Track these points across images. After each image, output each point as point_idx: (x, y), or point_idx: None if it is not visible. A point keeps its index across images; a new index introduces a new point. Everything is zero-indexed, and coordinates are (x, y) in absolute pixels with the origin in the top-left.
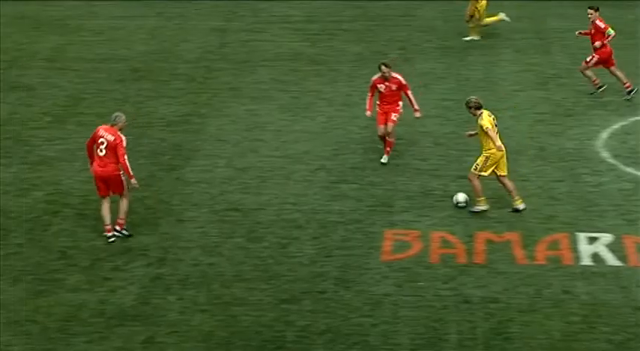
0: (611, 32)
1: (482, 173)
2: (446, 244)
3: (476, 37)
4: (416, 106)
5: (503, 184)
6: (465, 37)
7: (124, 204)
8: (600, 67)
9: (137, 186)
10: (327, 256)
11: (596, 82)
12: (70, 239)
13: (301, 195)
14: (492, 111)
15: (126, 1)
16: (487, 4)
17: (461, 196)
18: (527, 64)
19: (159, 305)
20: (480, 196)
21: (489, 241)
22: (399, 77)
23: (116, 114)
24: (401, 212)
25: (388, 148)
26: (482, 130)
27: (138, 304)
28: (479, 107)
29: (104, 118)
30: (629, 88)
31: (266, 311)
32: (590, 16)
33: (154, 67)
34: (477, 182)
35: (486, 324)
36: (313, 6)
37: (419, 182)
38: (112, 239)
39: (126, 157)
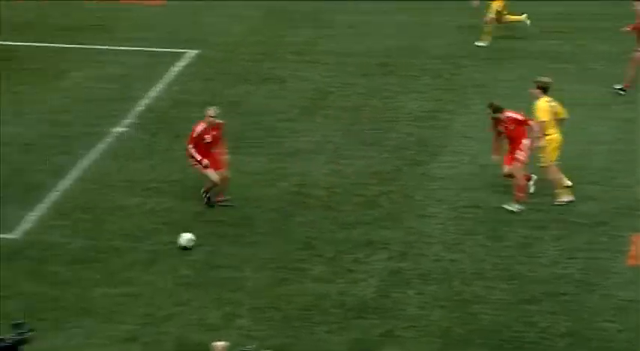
0: None
1: (550, 162)
2: None
3: (485, 43)
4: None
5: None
6: (478, 42)
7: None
8: None
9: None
10: (569, 258)
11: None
12: (314, 230)
13: (545, 195)
14: None
15: None
16: (504, 4)
17: (185, 239)
18: None
19: (398, 299)
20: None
21: None
22: (514, 115)
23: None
24: None
25: (515, 192)
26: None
27: (378, 296)
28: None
29: (349, 112)
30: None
31: (505, 311)
32: (636, 7)
33: (402, 62)
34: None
35: None
36: (567, 3)
37: None
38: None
39: (190, 146)
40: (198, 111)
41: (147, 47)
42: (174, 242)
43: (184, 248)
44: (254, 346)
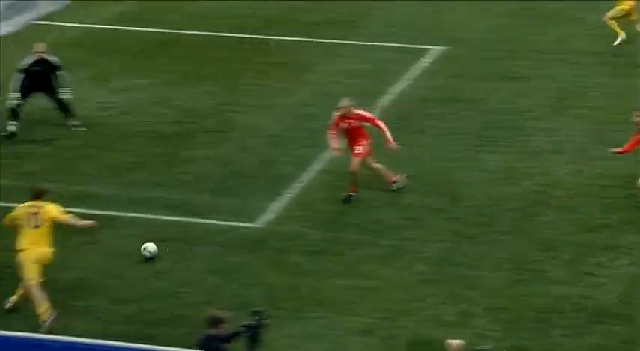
0: None
1: None
2: None
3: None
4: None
5: None
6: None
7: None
8: None
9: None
10: None
11: None
12: (554, 231)
13: None
14: None
15: None
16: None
17: (151, 248)
18: None
19: None
20: None
21: None
22: None
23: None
24: None
25: None
26: None
27: (619, 302)
28: None
29: (595, 112)
30: None
31: None
32: None
33: None
34: None
35: None
36: None
37: None
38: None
39: (328, 131)
40: (441, 107)
41: (392, 43)
42: (413, 238)
43: (150, 256)
44: (490, 346)
